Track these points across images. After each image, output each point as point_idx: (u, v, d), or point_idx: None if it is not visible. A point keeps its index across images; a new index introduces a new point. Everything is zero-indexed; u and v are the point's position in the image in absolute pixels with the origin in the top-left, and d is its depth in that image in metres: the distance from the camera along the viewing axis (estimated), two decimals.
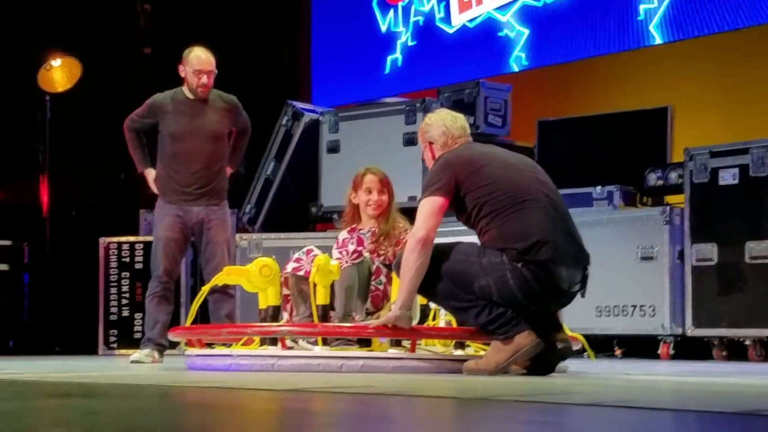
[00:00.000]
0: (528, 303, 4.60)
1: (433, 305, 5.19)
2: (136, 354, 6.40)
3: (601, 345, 7.47)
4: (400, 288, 4.77)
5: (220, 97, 6.68)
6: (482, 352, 5.08)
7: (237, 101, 6.75)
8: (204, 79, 6.50)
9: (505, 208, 4.64)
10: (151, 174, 6.63)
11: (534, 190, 4.73)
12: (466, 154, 4.83)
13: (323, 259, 5.12)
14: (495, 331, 4.57)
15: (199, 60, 6.52)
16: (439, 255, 4.68)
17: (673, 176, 7.64)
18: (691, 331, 7.25)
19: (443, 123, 4.98)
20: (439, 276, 4.66)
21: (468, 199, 4.71)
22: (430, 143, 4.97)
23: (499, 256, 4.58)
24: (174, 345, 6.74)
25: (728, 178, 7.16)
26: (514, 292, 4.56)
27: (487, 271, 4.58)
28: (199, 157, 6.47)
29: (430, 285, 4.68)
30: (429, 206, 4.69)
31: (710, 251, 7.20)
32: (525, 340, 4.53)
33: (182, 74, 6.59)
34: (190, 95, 6.57)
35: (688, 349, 7.35)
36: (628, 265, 7.44)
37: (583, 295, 4.76)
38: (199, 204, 6.46)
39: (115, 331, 8.65)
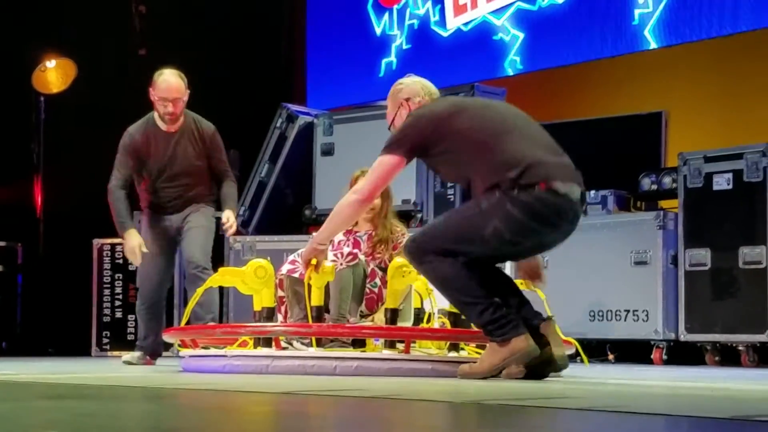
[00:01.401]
0: (540, 225, 4.41)
1: (427, 308, 5.19)
2: (128, 355, 6.39)
3: (595, 350, 7.48)
4: (324, 226, 4.69)
5: (196, 125, 6.34)
6: (476, 355, 5.09)
7: (213, 133, 6.38)
8: (170, 107, 6.19)
9: (486, 144, 4.48)
10: (132, 236, 6.17)
11: (512, 121, 4.60)
12: (438, 108, 4.66)
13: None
14: (493, 332, 4.47)
15: (166, 86, 6.20)
16: (439, 236, 4.52)
17: (667, 181, 7.65)
18: (685, 336, 7.26)
19: (419, 81, 4.85)
20: (449, 253, 4.46)
21: (447, 151, 4.55)
22: (406, 100, 4.81)
23: (495, 195, 4.41)
24: (168, 346, 6.73)
25: (722, 183, 7.17)
26: (521, 220, 4.37)
27: (489, 215, 4.40)
28: (176, 187, 6.31)
29: (441, 273, 4.50)
30: (384, 166, 4.59)
31: (704, 256, 7.21)
32: (521, 344, 4.42)
33: (151, 98, 6.28)
34: (161, 125, 6.30)
35: (681, 354, 7.36)
36: (622, 270, 7.45)
37: (585, 213, 4.64)
38: (181, 212, 6.38)
39: (108, 333, 8.66)
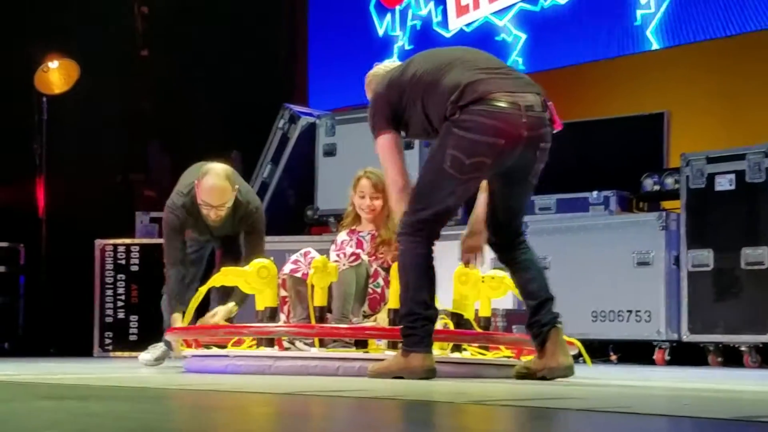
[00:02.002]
0: (493, 138, 4.28)
1: None
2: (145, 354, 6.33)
3: (597, 350, 7.47)
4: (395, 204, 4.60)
5: (237, 209, 5.92)
6: (479, 356, 5.09)
7: (253, 212, 5.98)
8: (212, 213, 5.80)
9: (431, 84, 4.41)
10: (177, 320, 5.76)
11: (457, 55, 4.53)
12: (390, 73, 4.62)
13: (322, 261, 5.13)
14: (403, 338, 4.44)
15: (209, 193, 5.77)
16: (412, 200, 4.43)
17: (669, 182, 7.65)
18: (687, 336, 7.25)
19: (383, 69, 4.80)
20: (424, 221, 4.39)
21: (409, 106, 4.48)
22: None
23: (443, 126, 4.35)
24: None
25: (725, 183, 7.17)
26: (471, 138, 4.27)
27: (442, 148, 4.33)
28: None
29: (407, 260, 4.42)
30: (383, 149, 4.53)
31: (706, 257, 7.20)
32: (416, 362, 4.37)
33: (196, 188, 5.87)
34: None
35: (684, 354, 7.36)
36: (624, 271, 7.45)
37: (553, 126, 4.50)
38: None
39: (111, 333, 8.65)
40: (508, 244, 4.64)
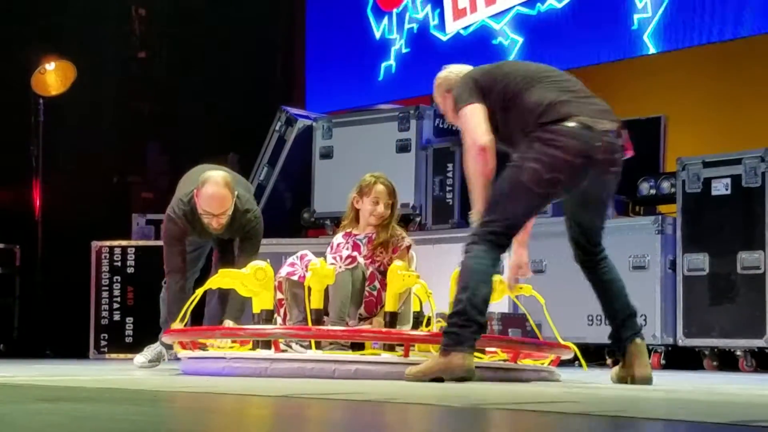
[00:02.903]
0: (573, 157, 4.46)
1: (427, 311, 5.20)
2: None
3: (593, 354, 7.47)
4: (473, 197, 4.64)
5: (235, 216, 5.92)
6: (476, 359, 5.09)
7: (250, 221, 5.99)
8: (213, 222, 5.80)
9: (519, 89, 4.61)
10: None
11: (544, 74, 4.72)
12: (482, 67, 4.85)
13: (319, 264, 5.13)
14: (444, 339, 4.48)
15: (209, 201, 5.76)
16: (488, 210, 4.53)
17: (665, 186, 7.66)
18: (682, 341, 7.26)
19: (456, 70, 4.95)
20: (501, 230, 4.51)
21: (493, 103, 4.64)
22: (448, 91, 4.88)
23: (522, 144, 4.52)
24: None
25: (721, 188, 7.17)
26: (553, 154, 4.45)
27: (522, 161, 4.50)
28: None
29: (470, 264, 4.50)
30: (469, 114, 4.62)
31: (702, 261, 7.21)
32: (457, 360, 4.39)
33: (195, 197, 5.85)
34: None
35: (679, 358, 7.36)
36: (620, 274, 7.44)
37: (625, 152, 4.64)
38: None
39: (106, 335, 8.65)
40: (588, 263, 4.82)
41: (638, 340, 4.73)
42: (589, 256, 4.81)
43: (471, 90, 4.68)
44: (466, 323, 4.42)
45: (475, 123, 4.60)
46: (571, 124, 4.49)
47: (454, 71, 4.93)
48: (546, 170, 4.46)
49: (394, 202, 5.65)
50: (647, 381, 4.67)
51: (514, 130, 4.61)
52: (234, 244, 6.15)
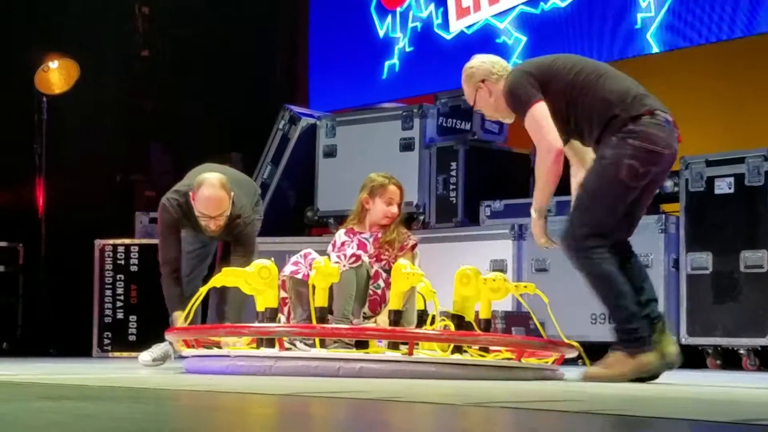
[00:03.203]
0: (661, 148, 4.64)
1: (431, 310, 5.20)
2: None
3: (597, 352, 7.45)
4: (537, 194, 4.82)
5: (230, 220, 5.91)
6: (479, 358, 5.09)
7: (241, 226, 5.94)
8: (211, 225, 5.79)
9: (588, 87, 4.71)
10: (179, 318, 5.84)
11: (605, 66, 4.89)
12: (533, 61, 4.96)
13: (323, 262, 5.13)
14: (625, 341, 4.71)
15: (206, 204, 5.74)
16: (588, 210, 4.70)
17: (668, 184, 7.65)
18: (686, 339, 7.25)
19: (488, 59, 5.03)
20: (602, 229, 4.68)
21: (556, 94, 4.74)
22: (482, 81, 4.97)
23: (612, 140, 4.63)
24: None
25: (724, 187, 7.17)
26: (645, 147, 4.61)
27: (617, 158, 4.61)
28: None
29: (599, 271, 4.71)
30: (536, 116, 4.71)
31: (705, 260, 7.20)
32: (648, 359, 4.68)
33: (192, 199, 5.85)
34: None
35: (683, 357, 7.34)
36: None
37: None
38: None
39: (110, 334, 8.65)
40: (624, 248, 4.90)
41: (663, 322, 4.86)
42: (626, 243, 4.91)
43: (532, 86, 4.74)
44: (640, 324, 4.68)
45: (547, 125, 4.69)
46: (660, 117, 4.65)
47: (487, 61, 4.99)
48: (641, 164, 4.60)
49: (401, 202, 5.69)
50: (678, 357, 4.82)
51: (586, 121, 4.71)
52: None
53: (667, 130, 4.67)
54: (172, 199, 5.97)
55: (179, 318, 5.81)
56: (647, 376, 4.69)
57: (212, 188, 5.76)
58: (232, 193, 5.87)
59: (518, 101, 4.78)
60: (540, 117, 4.70)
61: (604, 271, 4.68)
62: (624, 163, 4.59)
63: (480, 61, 5.02)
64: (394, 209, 5.62)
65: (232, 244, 6.04)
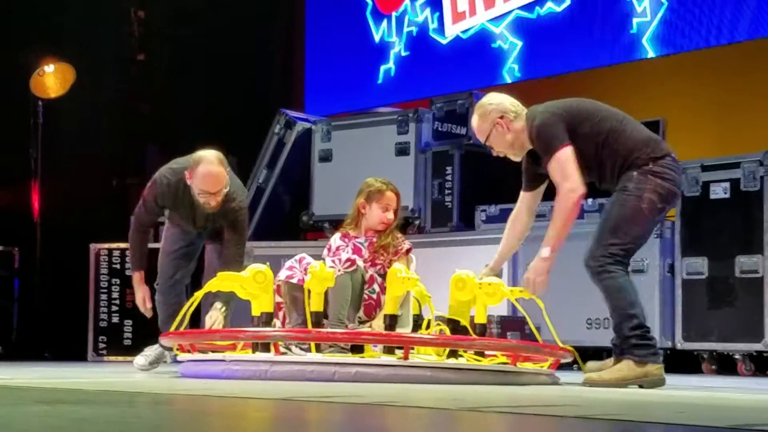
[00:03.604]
0: (677, 188, 5.04)
1: (426, 314, 5.20)
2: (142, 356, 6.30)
3: (591, 357, 7.45)
4: (554, 234, 5.00)
5: (224, 205, 5.89)
6: (474, 362, 5.09)
7: (234, 210, 5.94)
8: (211, 200, 5.77)
9: (614, 131, 5.01)
10: (137, 280, 6.06)
11: (617, 111, 5.17)
12: (560, 104, 5.13)
13: (318, 267, 5.13)
14: (635, 349, 4.85)
15: (204, 180, 5.74)
16: (611, 235, 4.93)
17: None
18: (681, 344, 7.26)
19: (505, 98, 5.23)
20: (622, 252, 4.94)
21: (585, 137, 4.99)
22: (501, 117, 5.12)
23: (634, 175, 4.93)
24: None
25: (719, 192, 7.17)
26: (666, 186, 4.94)
27: (640, 191, 4.91)
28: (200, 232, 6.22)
29: (618, 284, 4.90)
30: (563, 159, 4.94)
31: (701, 265, 7.21)
32: (655, 371, 4.85)
33: (189, 179, 5.84)
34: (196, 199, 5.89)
35: (678, 362, 7.36)
36: None
37: None
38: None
39: (105, 338, 8.64)
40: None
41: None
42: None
43: (563, 129, 4.99)
44: (648, 334, 4.90)
45: (572, 169, 4.94)
46: (673, 159, 5.00)
47: (505, 99, 5.19)
48: (660, 200, 4.94)
49: (398, 209, 5.69)
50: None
51: (611, 163, 4.99)
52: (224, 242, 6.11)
53: (680, 171, 5.06)
54: (165, 177, 6.01)
55: (138, 279, 6.01)
56: (650, 386, 4.81)
57: (211, 164, 5.77)
58: (228, 169, 5.89)
59: (548, 142, 4.98)
60: (567, 160, 4.93)
61: (620, 283, 4.90)
62: (646, 197, 4.91)
63: (498, 99, 5.20)
64: (390, 215, 5.62)
65: (226, 232, 6.00)
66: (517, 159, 5.23)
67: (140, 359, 6.26)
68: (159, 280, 6.27)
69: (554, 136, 4.95)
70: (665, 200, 4.95)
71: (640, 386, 4.80)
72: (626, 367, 4.85)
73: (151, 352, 6.24)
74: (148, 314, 6.13)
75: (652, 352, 4.87)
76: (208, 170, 5.76)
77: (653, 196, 4.90)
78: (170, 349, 6.05)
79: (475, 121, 5.23)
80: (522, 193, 5.26)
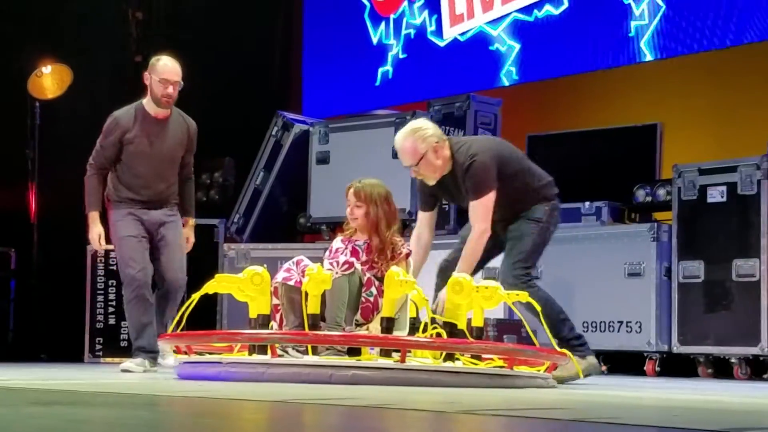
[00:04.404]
0: (559, 216, 5.86)
1: (423, 317, 5.20)
2: (127, 363, 6.32)
3: None
4: (463, 266, 5.50)
5: (182, 118, 6.55)
6: (471, 365, 5.09)
7: (195, 129, 6.62)
8: (170, 89, 6.36)
9: (525, 171, 5.71)
10: (94, 218, 6.60)
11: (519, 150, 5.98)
12: (493, 146, 5.71)
13: (316, 269, 5.13)
14: (576, 347, 5.47)
15: (165, 69, 6.38)
16: (526, 259, 5.66)
17: (661, 193, 7.67)
18: (677, 348, 7.26)
19: (432, 125, 5.76)
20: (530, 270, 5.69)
21: (510, 178, 5.59)
22: (435, 144, 5.56)
23: (545, 209, 5.69)
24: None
25: (716, 195, 7.18)
26: (557, 219, 5.78)
27: (548, 224, 5.68)
28: (153, 178, 6.41)
29: (545, 296, 5.53)
30: (487, 205, 5.52)
31: (697, 268, 7.22)
32: (593, 361, 5.62)
33: (146, 82, 6.44)
34: (151, 110, 6.41)
35: (674, 366, 7.37)
36: (615, 281, 7.46)
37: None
38: (156, 209, 6.45)
39: (101, 339, 8.64)
40: None
41: None
42: None
43: (495, 174, 5.54)
44: (580, 335, 5.67)
45: (489, 214, 5.53)
46: (558, 197, 5.79)
47: (433, 126, 5.71)
48: (555, 228, 5.77)
49: (368, 204, 5.54)
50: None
51: (515, 197, 5.59)
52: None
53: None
54: (111, 114, 6.52)
55: (94, 218, 6.58)
56: (596, 373, 5.66)
57: (169, 59, 6.42)
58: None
59: (481, 183, 5.51)
60: (488, 206, 5.52)
61: (545, 295, 5.53)
62: (551, 228, 5.70)
63: (431, 124, 5.73)
64: (348, 210, 5.61)
65: (183, 182, 6.53)
66: (432, 183, 5.67)
67: (126, 364, 6.28)
68: (128, 272, 6.45)
69: (487, 180, 5.50)
70: (555, 224, 5.80)
71: (587, 375, 5.46)
72: (574, 363, 5.34)
73: (134, 363, 6.25)
74: (101, 250, 6.87)
75: (587, 347, 5.61)
76: (167, 62, 6.39)
77: (554, 227, 5.76)
78: (156, 353, 6.16)
79: (409, 142, 5.58)
80: (420, 214, 5.86)
